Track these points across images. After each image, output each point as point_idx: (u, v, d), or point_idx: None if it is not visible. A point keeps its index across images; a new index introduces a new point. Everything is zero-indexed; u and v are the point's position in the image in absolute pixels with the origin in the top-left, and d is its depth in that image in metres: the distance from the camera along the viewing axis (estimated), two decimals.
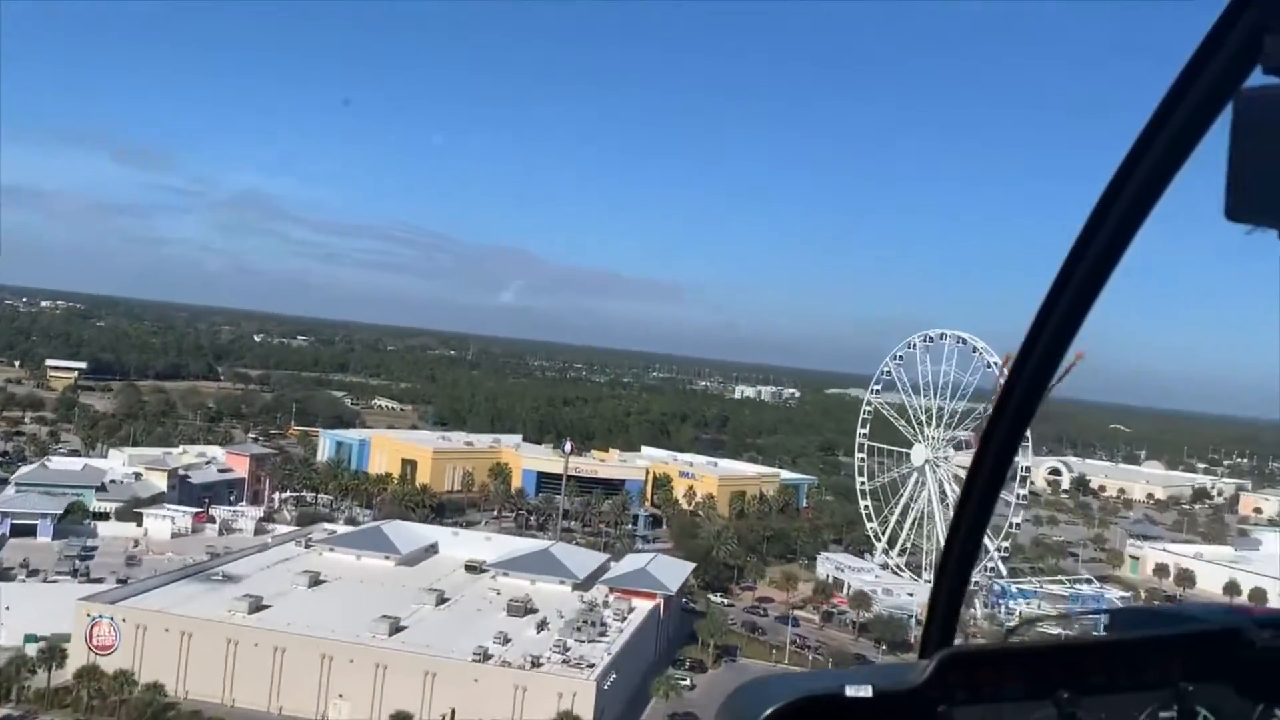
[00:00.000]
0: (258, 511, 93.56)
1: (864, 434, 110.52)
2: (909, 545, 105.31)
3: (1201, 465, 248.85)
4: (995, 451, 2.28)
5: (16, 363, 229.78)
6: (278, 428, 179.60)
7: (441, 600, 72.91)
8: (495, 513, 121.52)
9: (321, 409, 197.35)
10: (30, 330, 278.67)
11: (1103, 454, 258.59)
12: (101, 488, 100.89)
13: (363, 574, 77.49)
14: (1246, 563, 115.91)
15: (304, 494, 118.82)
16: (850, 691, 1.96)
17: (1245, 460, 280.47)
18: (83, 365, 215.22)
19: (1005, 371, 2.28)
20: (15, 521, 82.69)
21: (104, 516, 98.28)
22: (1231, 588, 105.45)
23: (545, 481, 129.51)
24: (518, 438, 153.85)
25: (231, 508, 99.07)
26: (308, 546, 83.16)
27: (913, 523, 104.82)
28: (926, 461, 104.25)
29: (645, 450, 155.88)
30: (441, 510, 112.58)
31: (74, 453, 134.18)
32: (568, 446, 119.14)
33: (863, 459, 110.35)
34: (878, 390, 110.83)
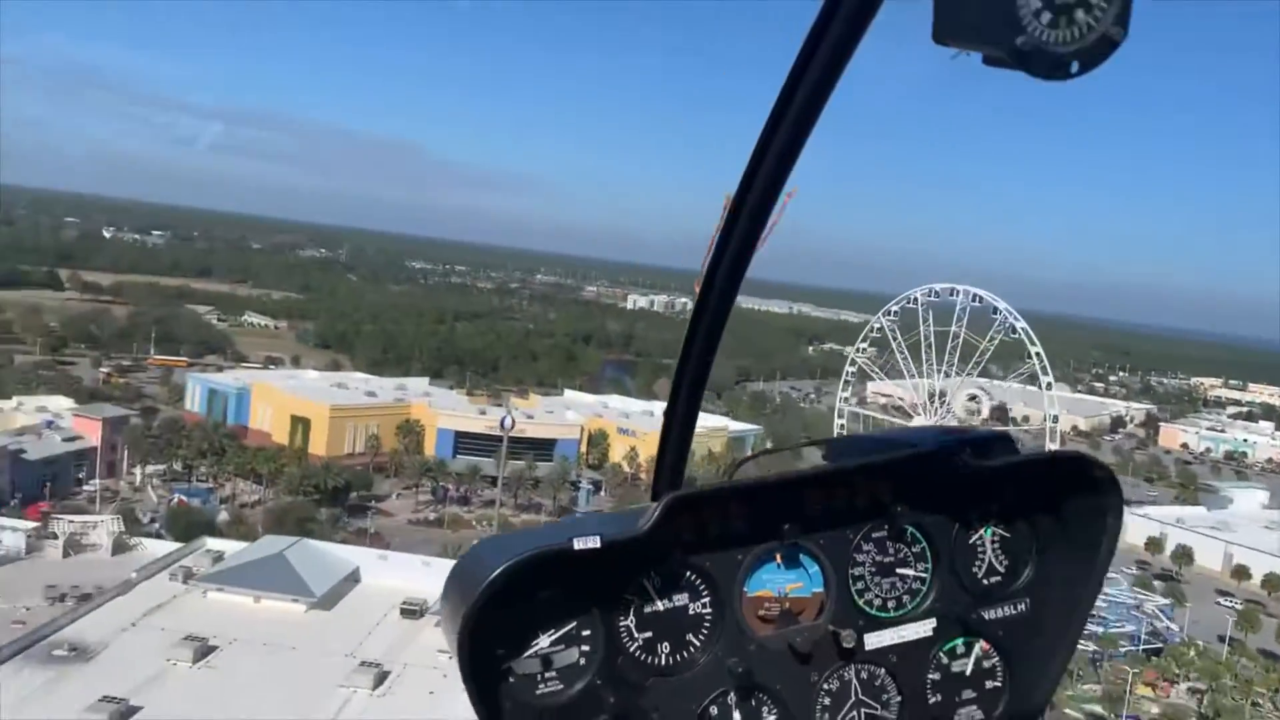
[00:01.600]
0: (116, 524, 70.36)
1: (845, 397, 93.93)
2: None
3: (1099, 385, 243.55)
4: (719, 289, 2.23)
5: None
6: (134, 357, 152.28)
7: (381, 677, 52.97)
8: (412, 486, 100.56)
9: (185, 331, 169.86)
10: None
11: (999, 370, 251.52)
12: None
13: (265, 627, 56.49)
14: (1229, 530, 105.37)
15: (172, 465, 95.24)
16: (578, 544, 1.96)
17: (1126, 374, 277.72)
18: None
19: (724, 211, 1.67)
20: None
21: None
22: (1241, 572, 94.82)
23: (464, 442, 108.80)
24: (424, 382, 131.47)
25: (81, 518, 75.25)
26: (186, 582, 61.33)
27: None
28: None
29: (570, 396, 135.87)
30: (346, 491, 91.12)
31: None
32: (508, 422, 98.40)
33: (842, 425, 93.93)
34: (864, 348, 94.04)
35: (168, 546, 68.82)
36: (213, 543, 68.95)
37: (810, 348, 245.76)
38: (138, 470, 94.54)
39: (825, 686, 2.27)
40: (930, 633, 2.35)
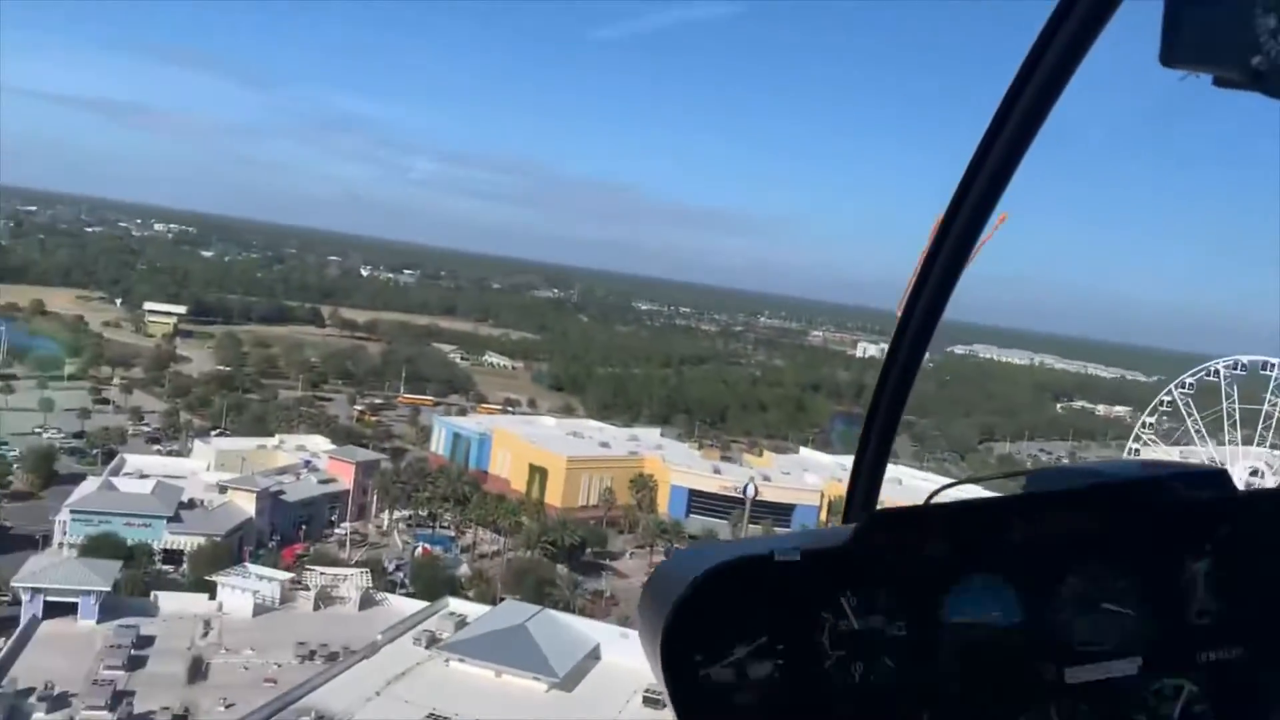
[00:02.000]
0: (363, 579, 70.30)
1: None
2: None
3: None
4: (921, 315, 2.25)
5: (118, 300, 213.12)
6: (385, 394, 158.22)
7: None
8: (645, 546, 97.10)
9: (433, 369, 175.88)
10: (136, 260, 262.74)
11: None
12: (176, 516, 79.20)
13: (507, 706, 53.71)
14: None
15: (418, 511, 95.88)
16: (779, 555, 1.98)
17: None
18: (182, 310, 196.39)
19: (933, 234, 1.89)
20: (51, 599, 60.36)
21: (176, 556, 76.74)
22: None
23: (697, 500, 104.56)
24: (656, 434, 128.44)
25: (332, 570, 75.83)
26: (429, 648, 59.61)
27: None
28: None
29: (806, 455, 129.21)
30: (581, 548, 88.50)
31: (153, 440, 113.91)
32: (750, 490, 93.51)
33: None
34: (1150, 424, 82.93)
35: (412, 605, 67.76)
36: (455, 604, 67.36)
37: (1059, 405, 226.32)
38: (385, 515, 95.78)
39: (1023, 719, 2.18)
40: (1136, 671, 2.22)
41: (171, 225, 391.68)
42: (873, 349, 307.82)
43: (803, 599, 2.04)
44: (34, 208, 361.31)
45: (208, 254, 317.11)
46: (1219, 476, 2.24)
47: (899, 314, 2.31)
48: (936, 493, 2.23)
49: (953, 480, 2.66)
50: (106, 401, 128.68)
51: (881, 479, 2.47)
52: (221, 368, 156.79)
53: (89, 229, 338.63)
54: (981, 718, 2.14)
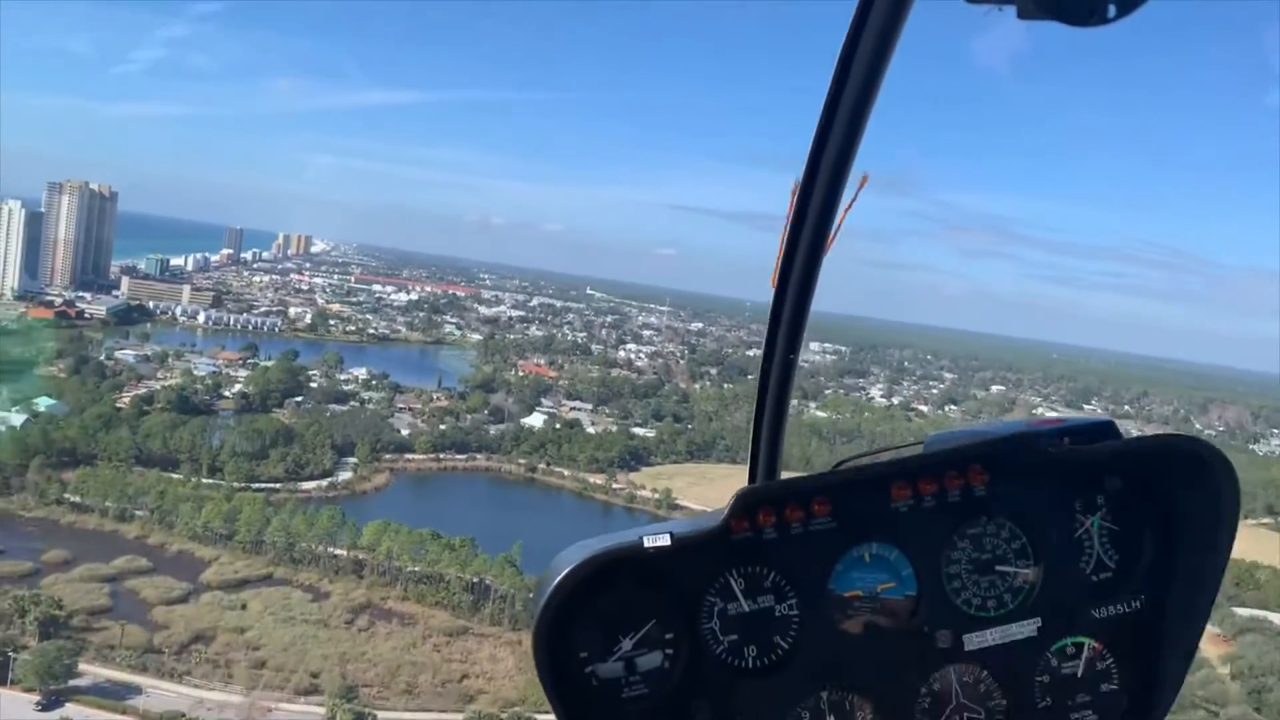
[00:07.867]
0: None
1: None
2: None
3: None
4: (798, 278, 2.18)
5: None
6: None
7: None
8: None
9: None
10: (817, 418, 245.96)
11: None
12: None
13: None
14: None
15: None
16: (649, 542, 1.88)
17: None
18: None
19: (792, 198, 2.16)
20: None
21: None
22: None
23: None
24: None
25: None
26: None
27: None
28: None
29: None
30: None
31: None
32: None
33: None
34: None
35: None
36: None
37: None
38: None
39: (923, 689, 2.09)
40: (1035, 633, 2.13)
41: (826, 346, 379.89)
42: None
43: (687, 586, 1.93)
44: (698, 325, 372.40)
45: (857, 389, 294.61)
46: (1105, 427, 2.10)
47: (772, 284, 2.17)
48: (840, 464, 2.10)
49: (857, 454, 2.44)
50: None
51: (780, 448, 2.29)
52: None
53: (746, 352, 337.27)
54: (881, 691, 2.02)
